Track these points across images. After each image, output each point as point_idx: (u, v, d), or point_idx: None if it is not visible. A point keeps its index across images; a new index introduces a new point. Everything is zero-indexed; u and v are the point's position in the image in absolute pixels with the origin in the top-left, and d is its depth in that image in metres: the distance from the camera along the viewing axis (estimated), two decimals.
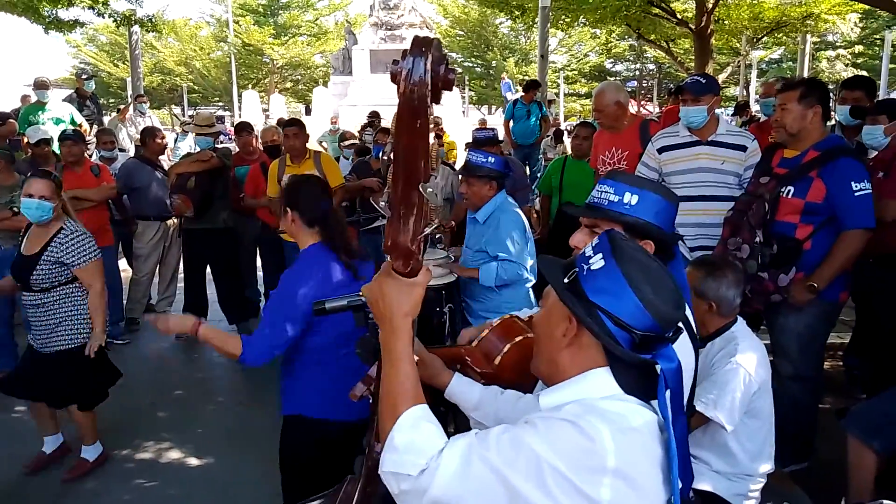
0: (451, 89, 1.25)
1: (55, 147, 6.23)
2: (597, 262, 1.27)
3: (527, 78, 33.66)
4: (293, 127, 5.55)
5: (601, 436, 1.15)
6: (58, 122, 7.27)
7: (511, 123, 10.73)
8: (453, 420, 2.83)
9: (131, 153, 6.74)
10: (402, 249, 1.26)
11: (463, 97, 33.47)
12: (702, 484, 2.52)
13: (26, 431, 4.30)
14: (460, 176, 3.96)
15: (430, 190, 1.26)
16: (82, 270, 3.68)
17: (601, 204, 1.75)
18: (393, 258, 1.28)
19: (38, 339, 3.70)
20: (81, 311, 3.71)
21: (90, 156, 6.22)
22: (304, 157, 5.46)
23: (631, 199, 1.70)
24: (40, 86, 7.42)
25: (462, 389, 1.80)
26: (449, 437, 1.26)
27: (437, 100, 1.22)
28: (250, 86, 33.81)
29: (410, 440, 1.24)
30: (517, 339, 1.91)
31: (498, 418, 1.73)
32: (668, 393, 1.22)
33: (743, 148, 3.83)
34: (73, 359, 3.69)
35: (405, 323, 1.31)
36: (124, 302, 6.17)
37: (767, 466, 2.61)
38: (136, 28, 15.67)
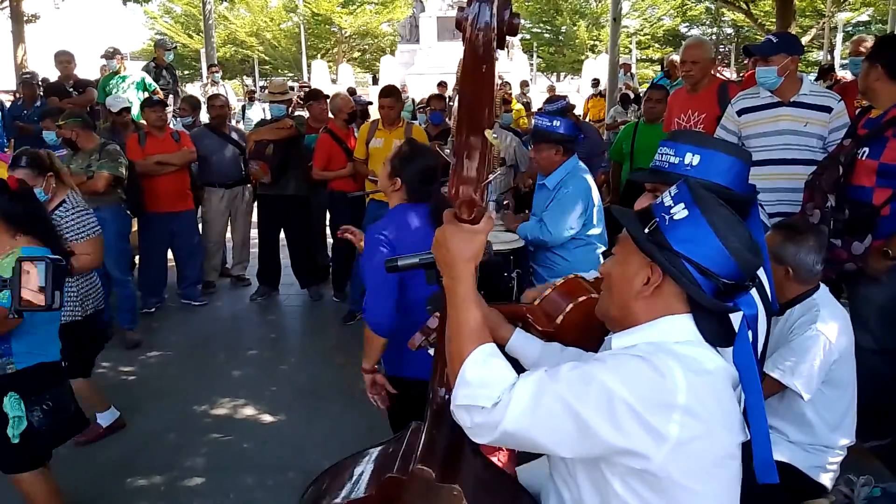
0: (515, 34, 1.25)
1: (134, 114, 6.45)
2: (679, 212, 1.28)
3: (598, 43, 32.96)
4: (389, 98, 5.52)
5: (673, 373, 1.19)
6: (136, 86, 7.45)
7: None
8: None
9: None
10: (464, 196, 1.26)
11: (531, 64, 32.93)
12: (778, 455, 2.44)
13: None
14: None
15: (496, 136, 1.25)
16: None
17: (662, 167, 1.72)
18: (456, 205, 1.27)
19: None
20: None
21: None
22: (396, 125, 5.50)
23: (693, 159, 1.65)
24: (108, 55, 7.61)
25: (523, 344, 1.80)
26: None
27: (501, 45, 1.22)
28: (319, 56, 34.12)
29: (482, 374, 1.26)
30: (580, 298, 1.87)
31: None
32: (749, 336, 1.26)
33: (828, 109, 3.64)
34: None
35: (467, 268, 1.32)
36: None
37: (847, 440, 2.53)
38: None
